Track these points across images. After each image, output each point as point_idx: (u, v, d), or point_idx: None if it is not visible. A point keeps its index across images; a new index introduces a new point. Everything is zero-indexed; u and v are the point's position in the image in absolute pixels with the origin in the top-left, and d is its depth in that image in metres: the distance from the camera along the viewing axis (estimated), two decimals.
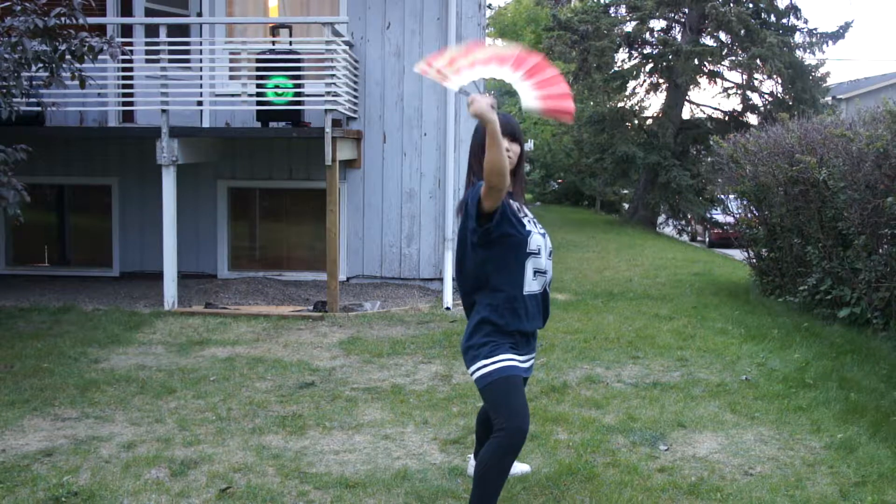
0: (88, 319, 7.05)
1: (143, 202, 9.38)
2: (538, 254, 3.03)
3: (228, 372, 5.43)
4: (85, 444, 4.04)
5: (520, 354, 3.05)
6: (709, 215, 20.27)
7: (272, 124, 8.14)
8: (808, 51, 20.02)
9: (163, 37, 7.72)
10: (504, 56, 3.00)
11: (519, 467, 3.68)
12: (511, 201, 3.02)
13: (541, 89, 2.96)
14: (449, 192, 8.89)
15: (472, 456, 3.67)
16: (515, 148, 3.07)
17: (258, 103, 8.08)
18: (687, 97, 21.66)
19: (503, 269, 3.00)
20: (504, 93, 31.39)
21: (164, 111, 7.72)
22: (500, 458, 2.93)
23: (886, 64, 70.18)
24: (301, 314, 7.46)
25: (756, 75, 20.08)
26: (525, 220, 3.04)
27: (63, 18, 5.78)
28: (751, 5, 19.68)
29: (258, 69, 8.07)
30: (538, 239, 3.04)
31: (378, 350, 6.10)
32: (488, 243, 2.98)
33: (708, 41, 20.72)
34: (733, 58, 20.12)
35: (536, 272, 3.04)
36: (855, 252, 6.57)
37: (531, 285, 3.03)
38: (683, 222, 22.01)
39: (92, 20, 6.71)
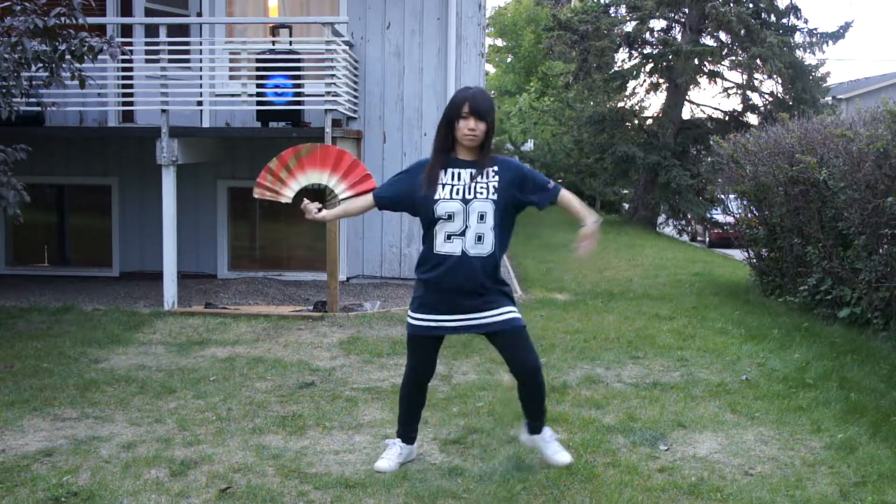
0: (88, 319, 7.05)
1: (143, 202, 9.38)
2: (449, 219, 3.41)
3: (228, 372, 5.43)
4: (85, 444, 4.04)
5: (438, 313, 3.51)
6: (709, 215, 20.25)
7: (272, 124, 8.14)
8: (808, 51, 20.00)
9: (163, 37, 7.72)
10: (315, 160, 3.88)
11: (562, 458, 3.70)
12: (449, 170, 3.47)
13: (349, 181, 3.89)
14: None
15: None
16: (481, 126, 3.42)
17: (258, 103, 8.08)
18: (687, 97, 21.63)
19: (423, 228, 3.56)
20: (504, 92, 31.41)
21: (164, 111, 7.72)
22: (402, 386, 3.76)
23: (886, 64, 70.20)
24: (301, 314, 7.46)
25: (756, 75, 20.06)
26: (444, 190, 3.43)
27: (63, 18, 5.78)
28: (751, 5, 19.66)
29: (258, 69, 8.07)
30: (450, 206, 3.41)
31: (378, 350, 6.10)
32: (415, 215, 3.60)
33: (708, 41, 20.69)
34: (733, 58, 20.10)
35: (450, 235, 3.43)
36: (855, 252, 6.56)
37: (443, 247, 3.44)
38: (683, 222, 21.98)
39: (92, 20, 6.71)
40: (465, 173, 3.46)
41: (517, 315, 3.55)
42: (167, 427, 4.31)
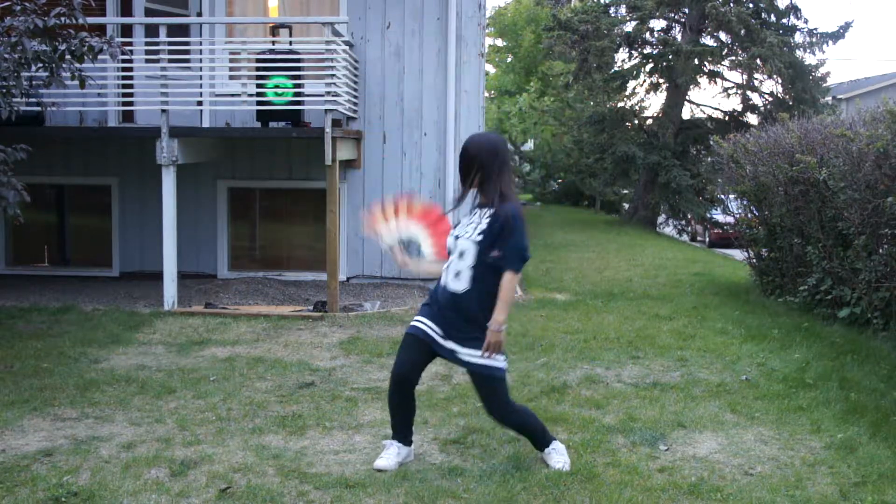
0: (88, 319, 7.05)
1: (143, 202, 9.38)
2: (450, 253, 3.66)
3: (228, 372, 5.43)
4: (85, 444, 4.04)
5: (434, 322, 3.65)
6: (709, 215, 20.24)
7: (272, 124, 8.14)
8: (808, 51, 19.99)
9: (163, 37, 7.71)
10: (420, 215, 3.95)
11: (560, 461, 3.75)
12: (461, 218, 3.73)
13: (435, 238, 3.95)
14: (449, 192, 8.88)
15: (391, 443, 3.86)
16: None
17: (258, 103, 8.08)
18: (687, 97, 21.62)
19: None
20: (504, 92, 31.40)
21: (164, 111, 7.72)
22: (388, 389, 3.77)
23: (886, 64, 70.31)
24: (301, 314, 7.46)
25: (756, 75, 20.04)
26: (456, 231, 3.67)
27: (63, 18, 5.78)
28: (751, 5, 19.64)
29: (258, 69, 8.07)
30: (449, 241, 3.67)
31: (378, 350, 6.10)
32: None
33: (708, 41, 20.68)
34: (733, 58, 20.08)
35: (447, 265, 3.66)
36: (855, 252, 6.56)
37: (444, 277, 3.67)
38: (683, 222, 21.97)
39: (92, 20, 6.70)
40: (476, 212, 3.67)
41: (490, 364, 3.55)
42: (167, 427, 4.31)
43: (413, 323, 3.72)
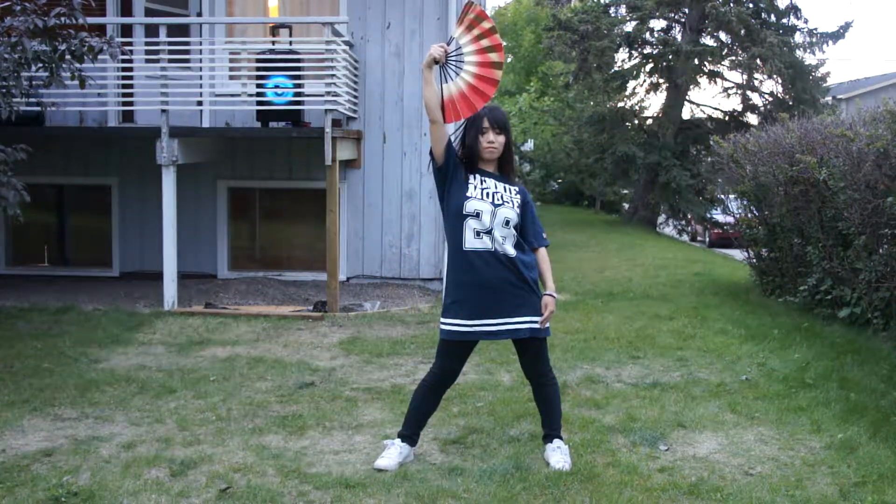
0: (88, 319, 7.05)
1: (143, 202, 9.38)
2: (476, 217, 3.59)
3: (228, 372, 5.43)
4: (85, 444, 4.04)
5: (473, 318, 3.61)
6: (709, 215, 20.24)
7: (272, 124, 8.14)
8: (808, 51, 19.99)
9: (163, 37, 7.72)
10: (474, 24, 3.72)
11: (561, 460, 3.76)
12: (478, 175, 3.67)
13: (479, 56, 3.74)
14: None
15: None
16: (501, 139, 3.68)
17: (258, 103, 8.08)
18: (687, 97, 21.61)
19: (448, 227, 3.73)
20: (504, 92, 31.40)
21: (164, 111, 7.72)
22: (421, 387, 3.81)
23: (886, 64, 70.32)
24: (301, 314, 7.46)
25: (756, 75, 20.03)
26: (475, 190, 3.63)
27: (63, 18, 5.77)
28: (751, 5, 19.65)
29: (258, 69, 8.07)
30: (479, 205, 3.60)
31: (378, 350, 6.10)
32: (441, 200, 3.74)
33: (708, 41, 20.67)
34: (733, 58, 20.08)
35: (479, 232, 3.61)
36: (855, 252, 6.56)
37: (473, 243, 3.62)
38: (683, 222, 21.97)
39: (92, 20, 6.70)
40: (490, 181, 3.69)
41: (544, 326, 3.74)
42: (167, 427, 4.31)
43: (449, 328, 3.67)
